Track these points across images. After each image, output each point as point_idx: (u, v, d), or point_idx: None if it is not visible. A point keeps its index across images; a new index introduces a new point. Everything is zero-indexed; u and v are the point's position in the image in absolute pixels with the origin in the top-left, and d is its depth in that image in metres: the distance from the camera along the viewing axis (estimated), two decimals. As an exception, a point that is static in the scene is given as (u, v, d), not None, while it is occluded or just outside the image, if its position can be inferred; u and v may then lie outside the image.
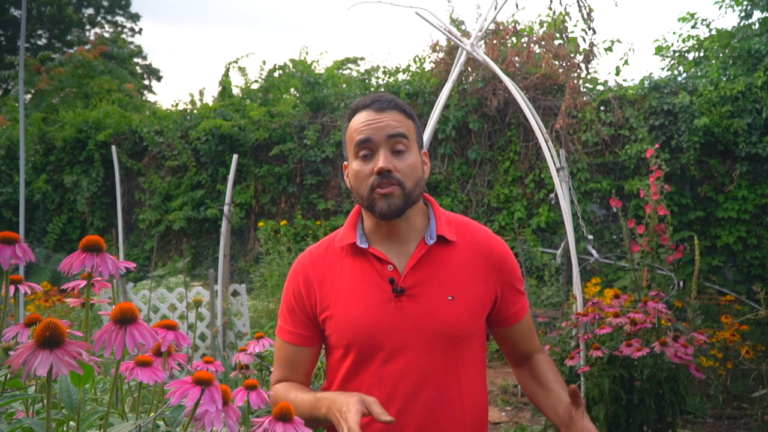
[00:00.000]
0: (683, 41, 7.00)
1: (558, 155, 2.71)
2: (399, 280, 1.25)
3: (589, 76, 6.02)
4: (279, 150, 6.72)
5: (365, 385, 1.24)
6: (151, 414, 1.00)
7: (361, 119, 1.26)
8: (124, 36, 19.95)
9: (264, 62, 11.38)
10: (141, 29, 21.15)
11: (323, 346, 1.37)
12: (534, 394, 1.37)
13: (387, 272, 1.25)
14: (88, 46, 10.66)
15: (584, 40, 4.32)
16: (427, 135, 2.55)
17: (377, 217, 1.24)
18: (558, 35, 5.35)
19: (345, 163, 1.33)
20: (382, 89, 6.64)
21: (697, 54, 6.93)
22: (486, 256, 1.31)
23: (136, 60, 17.86)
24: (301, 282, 1.32)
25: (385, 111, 1.26)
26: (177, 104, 8.52)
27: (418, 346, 1.22)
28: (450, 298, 1.24)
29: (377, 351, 1.23)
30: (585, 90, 6.01)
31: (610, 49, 6.38)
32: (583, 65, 5.10)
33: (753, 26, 6.27)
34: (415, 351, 1.22)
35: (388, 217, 1.23)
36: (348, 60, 8.41)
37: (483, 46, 5.21)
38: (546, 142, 2.59)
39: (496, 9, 2.94)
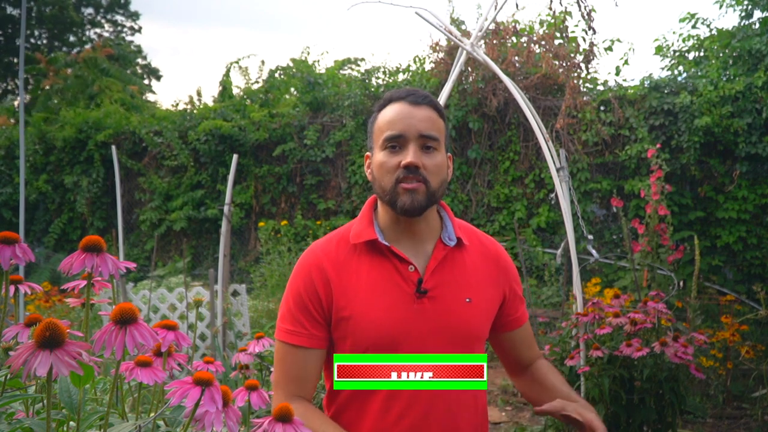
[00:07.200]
0: (683, 41, 6.98)
1: (558, 155, 2.71)
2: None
3: (589, 76, 6.02)
4: (279, 150, 6.72)
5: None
6: (151, 414, 1.00)
7: (394, 111, 1.21)
8: (123, 35, 19.97)
9: (263, 62, 11.40)
10: (141, 27, 21.13)
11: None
12: (539, 397, 1.35)
13: (408, 272, 1.21)
14: (88, 45, 10.68)
15: (584, 40, 4.33)
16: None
17: (397, 212, 1.20)
18: (558, 35, 5.36)
19: (367, 153, 1.28)
20: (382, 89, 6.63)
21: (697, 54, 6.91)
22: (494, 260, 1.31)
23: (135, 60, 17.85)
24: (315, 277, 1.22)
25: (419, 106, 1.21)
26: (177, 104, 8.52)
27: (436, 348, 1.20)
28: (468, 300, 1.23)
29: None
30: (585, 90, 6.00)
31: (610, 48, 6.36)
32: (583, 65, 5.11)
33: (753, 26, 6.25)
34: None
35: (409, 213, 1.19)
36: (349, 61, 8.41)
37: (483, 46, 5.20)
38: (546, 142, 2.59)
39: (496, 9, 2.94)
